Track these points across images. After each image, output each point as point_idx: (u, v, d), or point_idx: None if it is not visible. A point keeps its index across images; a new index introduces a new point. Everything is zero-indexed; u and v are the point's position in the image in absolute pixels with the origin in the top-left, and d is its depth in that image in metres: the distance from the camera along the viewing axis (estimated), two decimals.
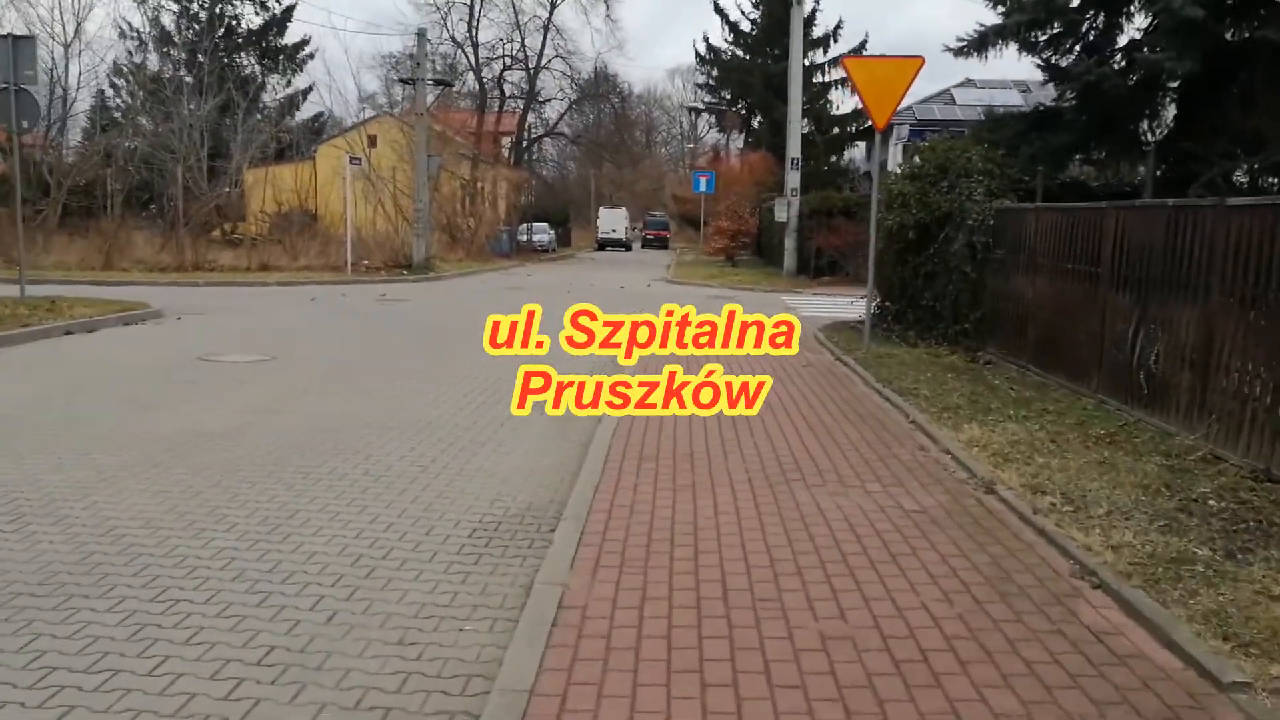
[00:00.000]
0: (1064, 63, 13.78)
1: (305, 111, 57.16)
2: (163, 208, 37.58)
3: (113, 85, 51.72)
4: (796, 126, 30.30)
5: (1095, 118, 13.45)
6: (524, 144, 50.41)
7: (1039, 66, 14.12)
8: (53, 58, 39.13)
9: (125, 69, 50.98)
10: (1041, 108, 15.01)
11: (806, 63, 43.43)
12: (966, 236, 12.80)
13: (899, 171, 15.70)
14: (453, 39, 45.30)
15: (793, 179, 30.31)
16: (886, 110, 12.80)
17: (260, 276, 27.56)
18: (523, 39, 46.08)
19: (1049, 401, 9.45)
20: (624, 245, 64.34)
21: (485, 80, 46.74)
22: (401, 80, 29.15)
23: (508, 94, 47.89)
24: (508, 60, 46.21)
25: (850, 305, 16.95)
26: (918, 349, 13.20)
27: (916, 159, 15.62)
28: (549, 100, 49.45)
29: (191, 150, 37.11)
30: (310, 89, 57.70)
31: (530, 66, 46.17)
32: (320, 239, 33.20)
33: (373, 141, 41.79)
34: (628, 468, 7.00)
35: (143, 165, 37.46)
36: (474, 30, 45.22)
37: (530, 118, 53.14)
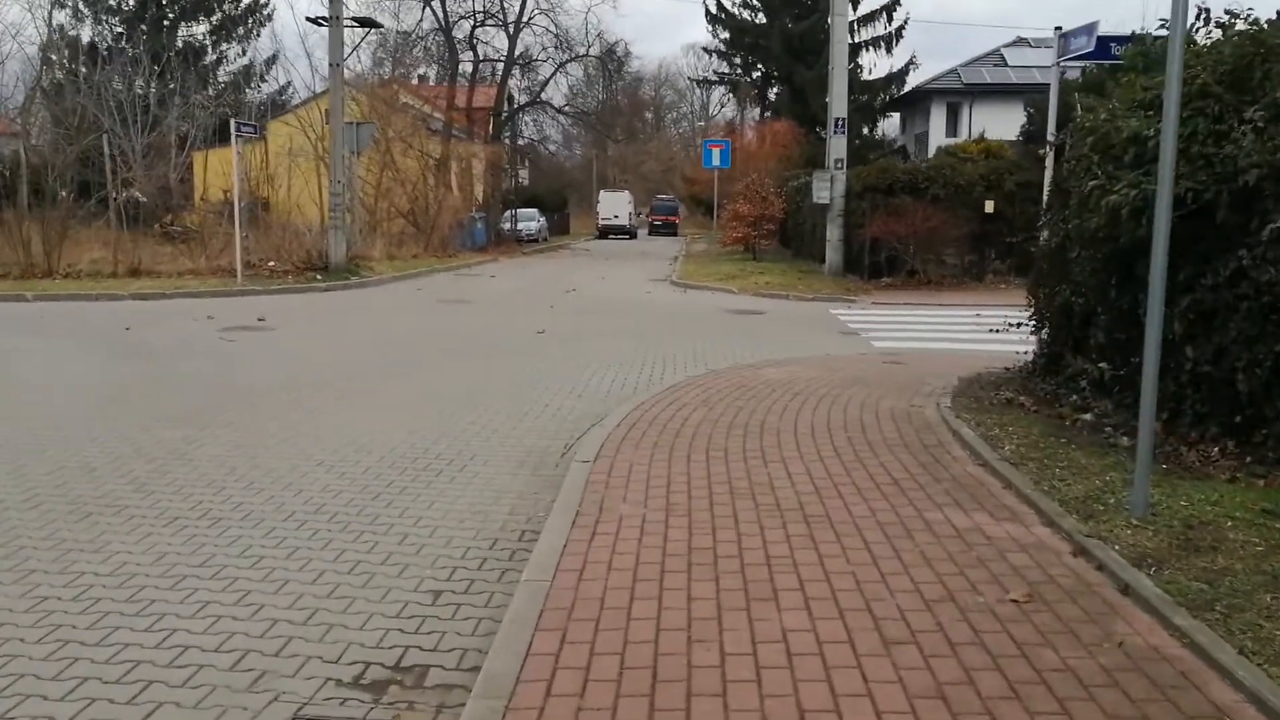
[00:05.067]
0: None
1: (270, 85, 50.44)
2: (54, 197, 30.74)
3: (45, 61, 45.01)
4: (842, 74, 22.66)
5: None
6: (503, 115, 42.68)
7: None
8: None
9: (55, 40, 44.28)
10: None
11: None
12: None
13: (1086, 105, 8.31)
14: None
15: (837, 146, 22.70)
16: None
17: (117, 286, 20.24)
18: None
19: None
20: (628, 232, 57.35)
21: (456, 40, 39.12)
22: (310, 20, 21.77)
23: (482, 56, 40.26)
24: (480, 15, 38.49)
25: (994, 333, 9.39)
26: (1219, 484, 5.75)
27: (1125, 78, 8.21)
28: (531, 63, 41.81)
29: (82, 133, 29.89)
30: (274, 58, 50.68)
31: (508, 22, 38.63)
32: (263, 229, 26.04)
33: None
34: None
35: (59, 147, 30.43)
36: None
37: (518, 90, 45.74)
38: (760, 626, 3.93)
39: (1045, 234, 9.37)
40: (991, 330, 9.44)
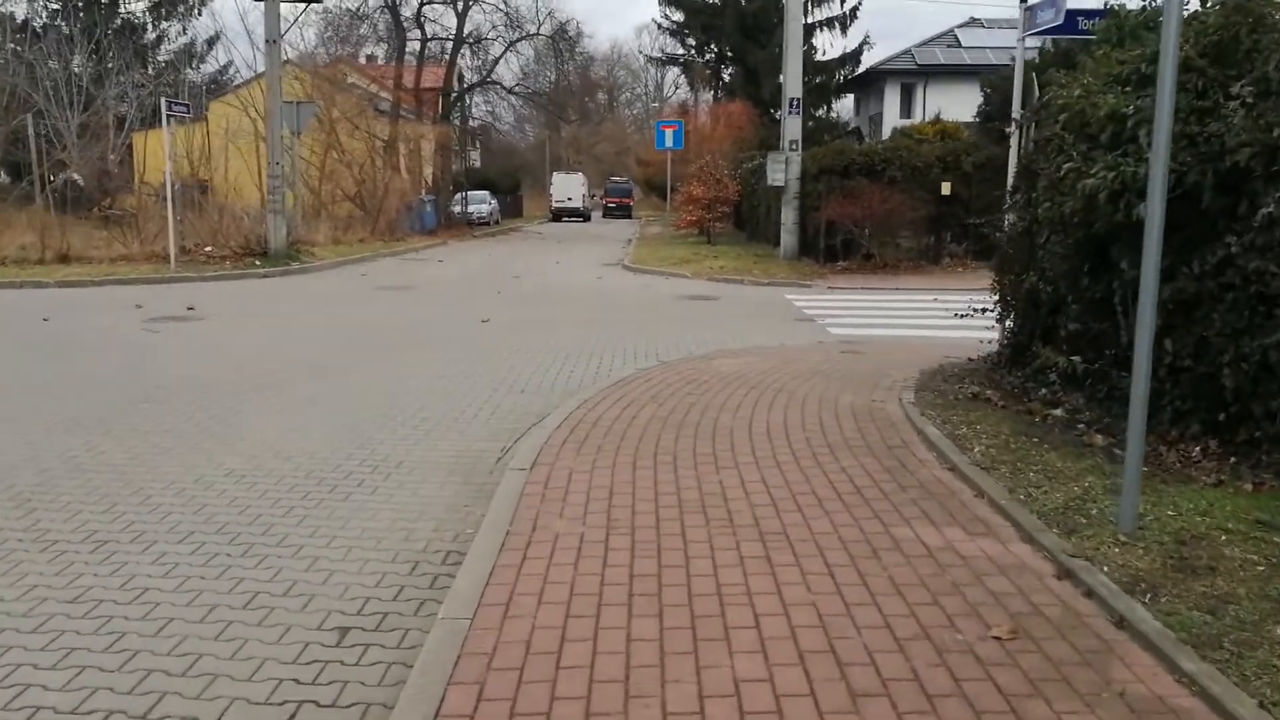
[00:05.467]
0: None
1: (211, 66, 49.06)
2: None
3: None
4: (796, 54, 22.15)
5: None
6: (452, 95, 41.73)
7: None
8: None
9: None
10: None
11: None
12: None
13: (1059, 80, 7.82)
14: None
15: (791, 127, 22.22)
16: None
17: (44, 274, 19.35)
18: None
19: None
20: (581, 215, 56.61)
21: (403, 18, 38.11)
22: None
23: (430, 35, 39.23)
24: None
25: (959, 318, 8.87)
26: (1205, 489, 5.32)
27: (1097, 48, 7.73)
28: (481, 42, 40.82)
29: (11, 113, 28.68)
30: (215, 37, 49.27)
31: (456, 0, 37.68)
32: (199, 211, 25.01)
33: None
34: None
35: None
36: None
37: (468, 70, 44.75)
38: (709, 676, 3.40)
39: (1011, 217, 8.92)
40: (957, 315, 8.94)
